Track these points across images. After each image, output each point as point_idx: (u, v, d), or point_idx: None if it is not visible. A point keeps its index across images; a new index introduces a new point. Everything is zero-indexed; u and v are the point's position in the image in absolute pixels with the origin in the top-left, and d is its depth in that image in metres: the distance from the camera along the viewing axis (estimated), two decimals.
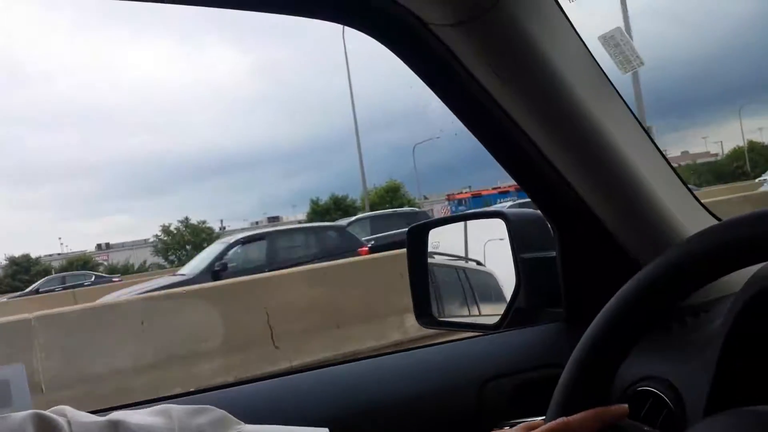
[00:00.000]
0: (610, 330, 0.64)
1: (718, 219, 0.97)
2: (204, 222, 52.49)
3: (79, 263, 41.48)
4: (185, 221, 52.12)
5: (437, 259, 1.31)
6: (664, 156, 0.90)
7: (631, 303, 0.62)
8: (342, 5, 0.76)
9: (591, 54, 0.83)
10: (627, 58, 0.84)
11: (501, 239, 1.15)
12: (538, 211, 1.08)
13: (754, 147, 64.62)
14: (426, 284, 1.26)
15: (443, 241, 1.28)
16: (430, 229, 1.27)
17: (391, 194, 58.43)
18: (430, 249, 1.27)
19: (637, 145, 0.86)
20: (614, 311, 0.64)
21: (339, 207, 56.54)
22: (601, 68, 0.84)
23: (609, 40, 0.83)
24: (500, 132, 0.88)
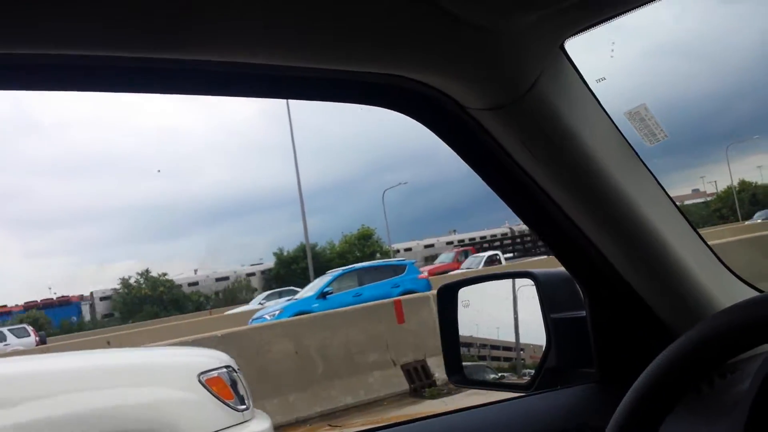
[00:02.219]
0: (650, 397, 0.66)
1: (749, 285, 1.00)
2: (164, 274, 51.41)
3: (29, 319, 40.21)
4: (144, 273, 50.95)
5: (468, 316, 1.33)
6: (692, 226, 0.94)
7: (671, 371, 0.65)
8: (388, 92, 0.82)
9: (618, 129, 0.88)
10: (652, 131, 0.89)
11: (532, 298, 1.18)
12: (566, 271, 1.11)
13: (745, 187, 64.36)
14: (457, 342, 1.29)
15: (473, 300, 1.31)
16: (460, 287, 1.30)
17: (363, 242, 57.95)
18: (459, 307, 1.30)
19: (666, 216, 0.90)
20: (653, 378, 0.67)
21: (305, 255, 56.50)
22: (628, 142, 0.89)
23: (635, 115, 0.88)
24: (533, 203, 0.93)
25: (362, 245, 57.77)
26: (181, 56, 0.63)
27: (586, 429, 0.96)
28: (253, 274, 58.22)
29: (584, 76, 0.83)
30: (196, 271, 58.70)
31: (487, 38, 0.68)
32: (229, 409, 3.39)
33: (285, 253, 56.42)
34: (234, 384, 3.51)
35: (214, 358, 3.64)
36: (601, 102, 0.85)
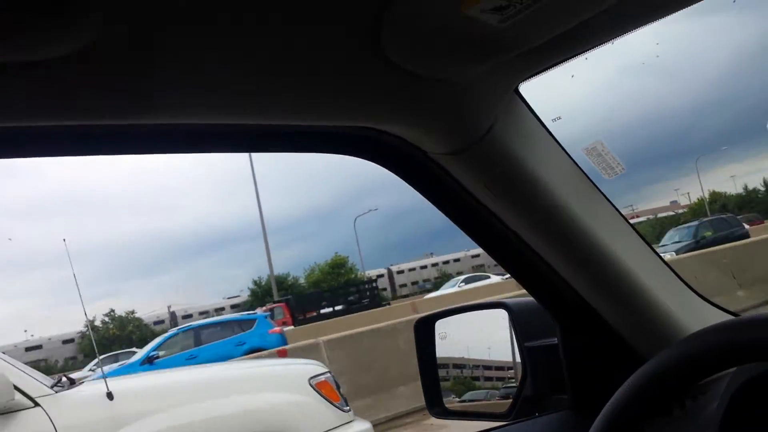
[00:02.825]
0: (619, 419, 0.69)
1: (714, 305, 1.03)
2: (132, 312, 50.29)
3: None
4: (110, 314, 49.64)
5: (445, 349, 1.35)
6: (656, 253, 0.97)
7: (638, 394, 0.68)
8: (355, 142, 0.85)
9: (577, 164, 0.92)
10: (609, 165, 0.93)
11: (507, 328, 1.20)
12: None
13: (716, 197, 65.67)
14: (435, 374, 1.30)
15: (449, 331, 1.33)
16: (437, 320, 1.33)
17: (336, 270, 57.65)
18: (437, 339, 1.32)
19: (628, 245, 0.94)
20: (622, 402, 0.69)
21: (281, 287, 55.97)
22: (587, 176, 0.93)
23: (591, 151, 0.92)
24: (499, 240, 0.96)
25: (336, 273, 57.54)
26: (155, 121, 0.66)
27: None
28: (222, 308, 57.00)
29: (540, 117, 0.87)
30: (169, 308, 57.69)
31: (442, 89, 0.71)
32: (337, 410, 3.74)
33: (262, 285, 55.99)
34: (338, 387, 3.87)
35: (317, 365, 4.00)
36: (558, 140, 0.89)
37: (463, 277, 35.04)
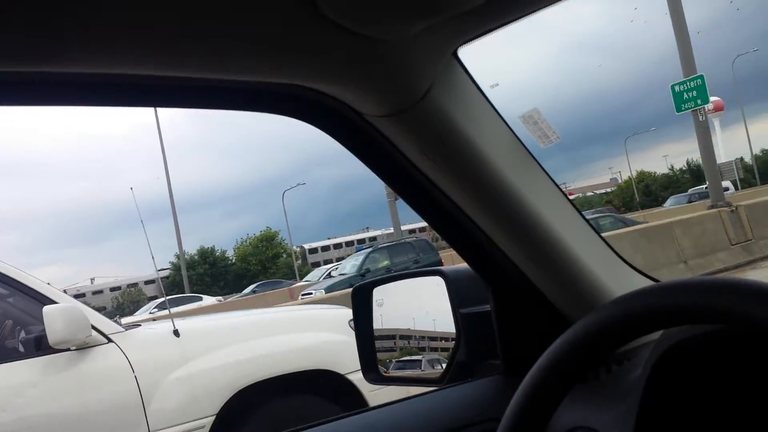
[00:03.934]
0: (543, 383, 0.70)
1: (643, 273, 1.06)
2: (48, 283, 49.50)
3: None
4: None
5: (383, 314, 1.36)
6: (587, 220, 0.99)
7: (561, 359, 0.69)
8: (287, 101, 0.82)
9: (513, 132, 0.92)
10: (545, 134, 0.94)
11: (443, 295, 1.21)
12: None
13: (644, 177, 68.43)
14: (372, 341, 1.31)
15: (387, 299, 1.33)
16: (374, 287, 1.33)
17: (266, 243, 57.61)
18: (374, 306, 1.32)
19: (559, 212, 0.95)
20: (546, 366, 0.71)
21: (205, 260, 55.11)
22: (522, 144, 0.93)
23: (528, 119, 0.92)
24: (434, 205, 0.96)
25: (264, 247, 57.15)
26: (69, 69, 0.61)
27: (491, 420, 1.00)
28: (152, 281, 55.88)
29: (478, 82, 0.86)
30: (92, 280, 56.03)
31: (377, 47, 0.69)
32: None
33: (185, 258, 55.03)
34: None
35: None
36: (495, 106, 0.89)
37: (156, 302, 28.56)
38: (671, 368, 0.79)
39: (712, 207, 13.21)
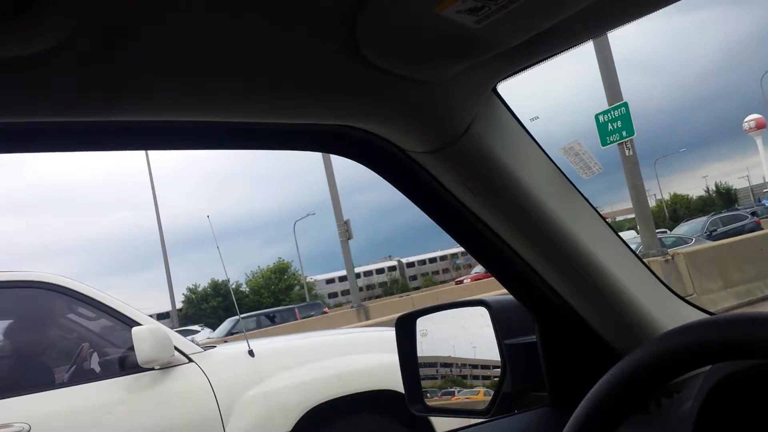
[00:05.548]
0: (593, 416, 0.70)
1: (692, 304, 1.05)
2: None
3: None
4: None
5: (427, 344, 1.36)
6: (633, 251, 0.99)
7: (612, 392, 0.69)
8: (334, 140, 0.85)
9: (554, 163, 0.93)
10: (587, 164, 0.94)
11: (487, 326, 1.21)
12: None
13: (678, 200, 65.85)
14: (416, 372, 1.31)
15: (430, 329, 1.34)
16: (418, 317, 1.33)
17: (278, 275, 57.17)
18: (418, 336, 1.33)
19: (605, 243, 0.95)
20: (596, 399, 0.70)
21: (218, 293, 55.04)
22: (564, 175, 0.94)
23: (569, 150, 0.93)
24: (478, 237, 0.97)
25: (278, 279, 57.01)
26: (131, 118, 0.65)
27: None
28: (166, 315, 56.18)
29: (518, 116, 0.87)
30: None
31: (419, 88, 0.72)
32: None
33: (198, 291, 54.50)
34: None
35: None
36: (536, 138, 0.90)
37: None
38: (722, 400, 0.77)
39: (644, 256, 10.63)
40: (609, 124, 11.38)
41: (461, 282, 37.46)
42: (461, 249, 1.05)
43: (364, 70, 0.66)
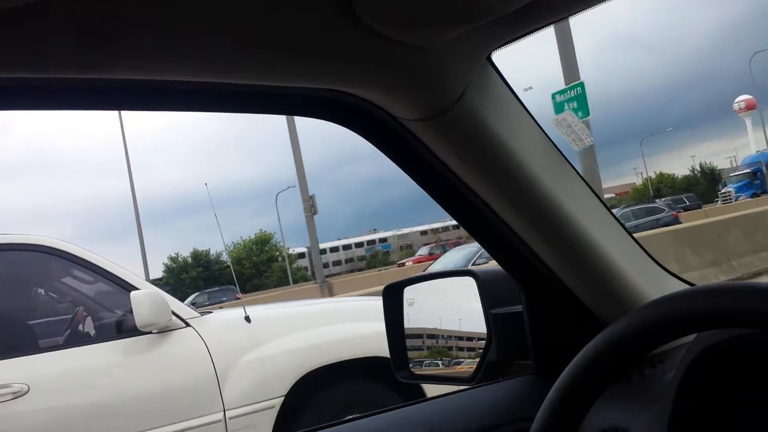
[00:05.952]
0: (576, 385, 0.71)
1: (676, 276, 1.06)
2: None
3: None
4: None
5: (413, 313, 1.37)
6: (621, 223, 1.00)
7: (595, 360, 0.70)
8: (325, 105, 0.84)
9: (546, 134, 0.93)
10: (579, 136, 0.95)
11: (474, 295, 1.22)
12: None
13: (663, 179, 66.18)
14: (402, 340, 1.33)
15: (417, 298, 1.35)
16: (405, 286, 1.34)
17: (260, 246, 56.97)
18: (405, 305, 1.34)
19: (593, 214, 0.96)
20: (579, 368, 0.71)
21: (199, 263, 54.81)
22: (555, 146, 0.94)
23: (561, 122, 0.93)
24: (467, 206, 0.97)
25: (259, 250, 56.68)
26: (117, 75, 0.64)
27: (523, 420, 1.01)
28: (160, 279, 55.43)
29: (511, 86, 0.87)
30: None
31: (413, 53, 0.71)
32: None
33: (179, 261, 53.79)
34: None
35: None
36: (528, 109, 0.90)
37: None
38: (704, 371, 0.79)
39: None
40: (565, 104, 11.07)
41: (403, 264, 38.61)
42: (445, 224, 1.06)
43: (358, 32, 0.65)
